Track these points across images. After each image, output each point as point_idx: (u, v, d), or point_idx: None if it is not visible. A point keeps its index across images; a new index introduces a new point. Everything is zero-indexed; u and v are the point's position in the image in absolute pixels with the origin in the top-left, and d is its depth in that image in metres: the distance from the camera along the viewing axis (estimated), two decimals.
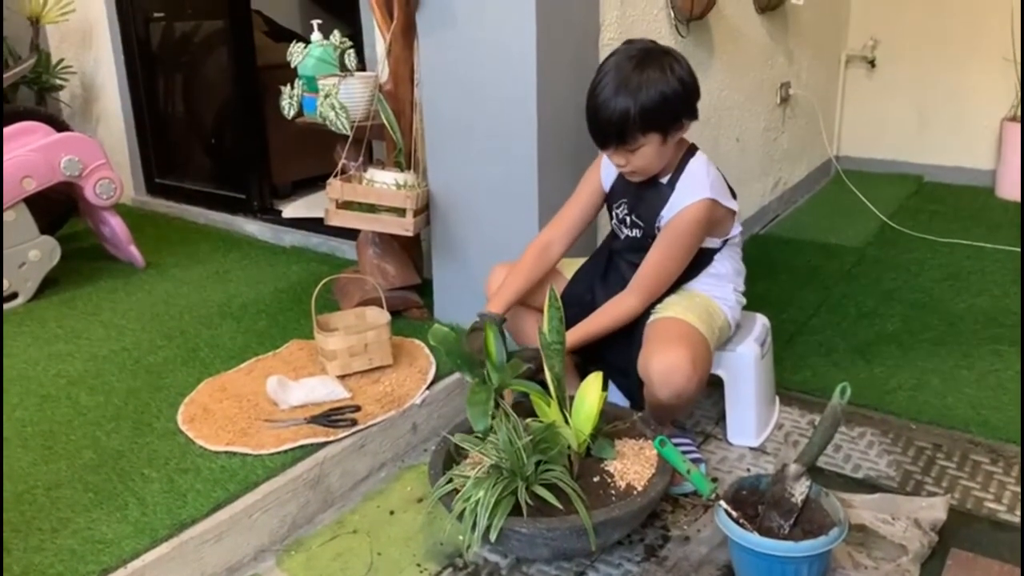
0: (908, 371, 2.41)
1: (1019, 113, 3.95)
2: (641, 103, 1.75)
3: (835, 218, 3.81)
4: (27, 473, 1.86)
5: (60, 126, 3.26)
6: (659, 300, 1.95)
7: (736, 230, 1.98)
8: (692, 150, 1.93)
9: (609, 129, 1.79)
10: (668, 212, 1.88)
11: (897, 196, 4.06)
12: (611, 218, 2.06)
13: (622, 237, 2.03)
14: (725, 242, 1.98)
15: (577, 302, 2.00)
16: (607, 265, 2.06)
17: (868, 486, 1.91)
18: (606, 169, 2.02)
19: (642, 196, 1.94)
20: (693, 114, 1.85)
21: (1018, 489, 1.88)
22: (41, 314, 2.79)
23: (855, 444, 2.08)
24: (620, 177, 1.98)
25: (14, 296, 2.86)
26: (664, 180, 1.91)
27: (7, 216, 2.81)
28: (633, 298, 1.91)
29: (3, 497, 1.72)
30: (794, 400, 2.29)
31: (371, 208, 2.39)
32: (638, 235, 1.98)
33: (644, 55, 1.78)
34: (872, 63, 4.38)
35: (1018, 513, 1.80)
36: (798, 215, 3.93)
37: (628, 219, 1.99)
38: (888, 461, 2.00)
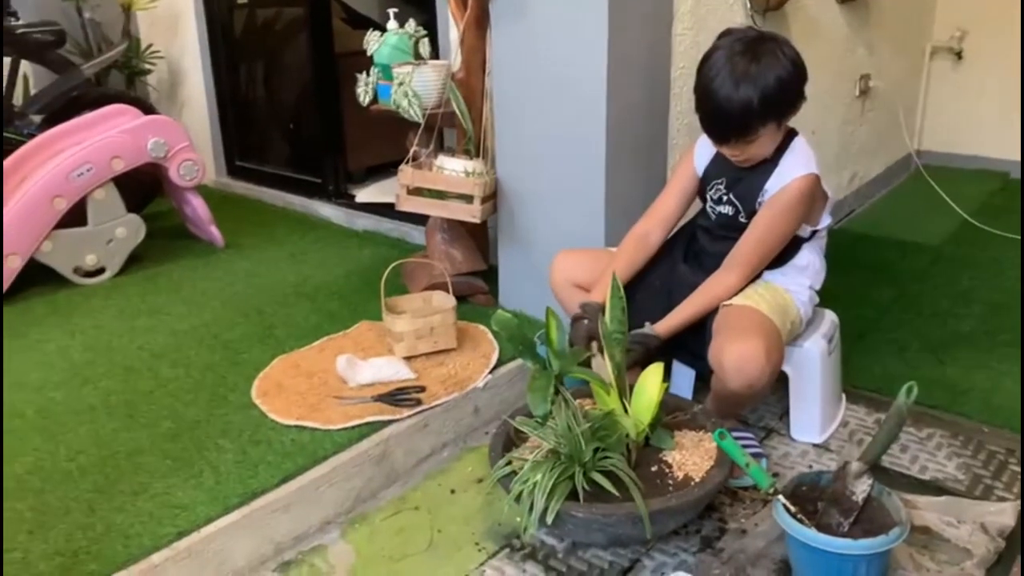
0: (983, 373, 2.34)
1: None
2: (762, 93, 1.73)
3: (913, 214, 3.70)
4: (111, 439, 1.96)
5: (147, 109, 3.40)
6: None
7: (825, 221, 1.96)
8: (793, 132, 1.91)
9: (731, 124, 1.78)
10: (773, 185, 1.86)
11: (980, 193, 3.91)
12: (704, 200, 2.04)
13: (713, 216, 2.01)
14: (814, 233, 1.96)
15: (654, 285, 2.01)
16: (688, 245, 2.06)
17: (934, 488, 1.87)
18: (699, 155, 2.01)
19: (741, 175, 1.92)
20: (804, 96, 1.83)
21: None
22: (126, 289, 2.92)
23: (923, 445, 2.03)
24: (716, 158, 1.97)
25: (102, 271, 3.01)
26: (768, 157, 1.89)
27: (98, 195, 2.95)
28: (732, 275, 1.89)
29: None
30: (862, 398, 2.25)
31: (440, 195, 2.43)
32: (731, 212, 1.96)
33: (753, 44, 1.76)
34: (959, 55, 4.22)
35: None
36: (874, 210, 3.83)
37: (724, 197, 1.97)
38: (957, 464, 1.96)
